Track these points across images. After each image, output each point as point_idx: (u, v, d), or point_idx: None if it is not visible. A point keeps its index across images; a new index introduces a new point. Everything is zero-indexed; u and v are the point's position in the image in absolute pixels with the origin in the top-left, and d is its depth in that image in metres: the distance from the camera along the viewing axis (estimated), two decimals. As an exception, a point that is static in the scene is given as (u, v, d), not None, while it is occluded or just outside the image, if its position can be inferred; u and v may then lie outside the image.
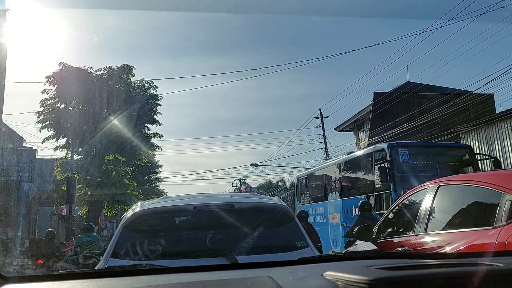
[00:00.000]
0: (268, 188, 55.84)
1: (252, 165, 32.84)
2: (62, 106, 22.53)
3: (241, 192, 52.33)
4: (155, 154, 31.25)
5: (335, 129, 32.53)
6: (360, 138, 30.75)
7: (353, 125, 31.44)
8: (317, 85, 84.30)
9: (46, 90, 22.19)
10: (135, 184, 26.40)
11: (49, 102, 22.32)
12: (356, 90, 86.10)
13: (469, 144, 16.46)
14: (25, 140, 24.01)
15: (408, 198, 4.72)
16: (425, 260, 1.73)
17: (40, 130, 22.30)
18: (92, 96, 21.87)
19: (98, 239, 10.88)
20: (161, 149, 25.58)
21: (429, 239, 3.80)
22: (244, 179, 56.53)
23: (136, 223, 3.25)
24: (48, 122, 22.21)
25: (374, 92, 26.49)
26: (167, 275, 1.67)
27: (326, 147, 28.78)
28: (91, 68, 22.87)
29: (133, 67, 23.78)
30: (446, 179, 4.15)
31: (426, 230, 3.92)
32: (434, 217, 3.95)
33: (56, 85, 22.07)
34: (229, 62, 77.54)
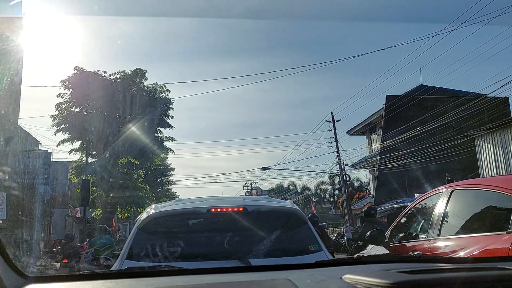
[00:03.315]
0: (279, 191, 55.72)
1: (263, 168, 32.80)
2: (77, 109, 22.83)
3: (252, 195, 52.31)
4: (167, 157, 31.50)
5: (347, 132, 32.42)
6: (373, 142, 30.56)
7: (365, 129, 31.27)
8: (329, 88, 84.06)
9: (61, 94, 22.52)
10: (148, 187, 26.57)
11: (64, 106, 22.63)
12: (368, 93, 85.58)
13: (484, 148, 16.27)
14: (41, 143, 24.35)
15: (421, 203, 4.68)
16: (444, 264, 1.73)
17: (55, 133, 22.65)
18: (106, 100, 22.11)
19: (113, 241, 11.06)
20: (174, 152, 25.74)
21: (442, 244, 3.76)
22: (255, 183, 56.54)
23: (150, 226, 3.27)
24: (63, 126, 22.52)
25: (387, 95, 26.33)
26: (186, 276, 1.69)
27: (338, 151, 28.63)
28: (105, 72, 23.18)
29: (146, 71, 24.01)
30: (459, 184, 4.09)
31: (439, 234, 3.87)
32: (447, 221, 3.91)
33: (71, 89, 22.38)
34: (241, 65, 77.82)
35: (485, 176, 15.92)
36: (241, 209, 3.36)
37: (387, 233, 4.92)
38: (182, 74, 79.42)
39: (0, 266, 1.44)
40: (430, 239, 3.97)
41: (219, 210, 3.37)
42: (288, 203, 3.78)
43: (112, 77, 23.25)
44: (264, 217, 3.41)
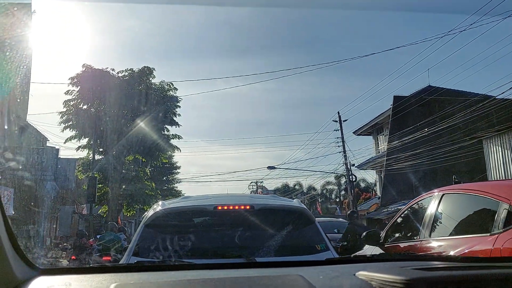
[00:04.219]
0: (285, 191, 55.64)
1: (269, 167, 32.76)
2: (85, 107, 22.96)
3: (257, 194, 52.24)
4: (173, 155, 31.58)
5: (353, 132, 32.29)
6: (380, 142, 30.42)
7: (372, 129, 31.13)
8: (336, 88, 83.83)
9: (70, 91, 22.65)
10: (153, 185, 26.66)
11: (72, 103, 22.75)
12: (375, 93, 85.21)
13: (492, 150, 16.14)
14: (49, 140, 24.52)
15: (414, 205, 4.90)
16: (456, 263, 1.72)
17: (63, 130, 22.78)
18: (113, 97, 22.20)
19: (120, 238, 11.28)
20: (180, 150, 25.80)
21: (433, 245, 3.98)
22: (261, 182, 56.52)
23: (157, 222, 3.28)
24: (70, 123, 22.65)
25: (394, 96, 26.20)
26: (195, 271, 1.69)
27: (344, 151, 28.54)
28: (113, 70, 23.28)
29: (154, 69, 24.08)
30: (450, 188, 4.35)
31: (430, 235, 4.09)
32: (438, 223, 4.15)
33: (79, 86, 22.50)
34: (248, 64, 77.85)
35: (493, 178, 15.81)
36: (248, 207, 3.34)
37: (382, 234, 5.11)
38: (189, 72, 79.66)
39: (12, 258, 1.45)
40: (421, 240, 4.19)
41: (226, 207, 3.36)
42: (296, 202, 3.77)
43: (120, 74, 23.35)
44: (271, 215, 3.40)
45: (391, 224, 5.19)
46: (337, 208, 48.98)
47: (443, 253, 3.68)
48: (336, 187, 53.29)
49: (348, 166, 28.11)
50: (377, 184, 32.53)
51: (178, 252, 2.95)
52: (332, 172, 33.89)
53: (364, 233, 5.34)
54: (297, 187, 56.18)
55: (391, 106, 26.10)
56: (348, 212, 10.60)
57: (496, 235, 3.25)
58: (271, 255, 2.97)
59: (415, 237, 4.44)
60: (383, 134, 29.61)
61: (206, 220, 3.45)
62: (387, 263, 1.64)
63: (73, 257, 11.81)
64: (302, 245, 3.26)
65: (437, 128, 21.32)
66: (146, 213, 4.09)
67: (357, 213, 10.72)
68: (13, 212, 14.90)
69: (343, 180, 39.90)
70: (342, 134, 28.99)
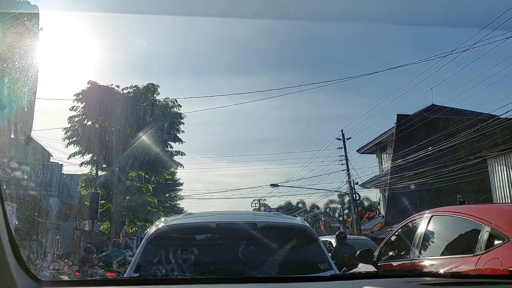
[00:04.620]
0: (288, 209, 55.31)
1: (272, 185, 32.60)
2: (89, 123, 23.07)
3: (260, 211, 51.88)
4: (176, 172, 31.55)
5: (357, 151, 32.24)
6: (383, 161, 30.34)
7: (375, 147, 31.09)
8: (339, 106, 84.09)
9: (74, 107, 22.80)
10: (156, 201, 26.58)
11: (76, 119, 22.88)
12: (379, 112, 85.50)
13: (496, 169, 16.05)
14: (52, 155, 24.59)
15: (406, 225, 5.12)
16: (460, 279, 1.70)
17: (67, 146, 22.84)
18: (118, 113, 22.32)
19: (124, 254, 11.37)
20: (183, 167, 25.79)
21: (422, 264, 4.17)
22: (264, 200, 56.26)
23: (159, 239, 3.26)
24: (74, 138, 22.74)
25: (398, 115, 26.24)
26: (197, 285, 1.67)
27: (348, 169, 28.45)
28: (118, 86, 23.46)
29: (158, 86, 24.26)
30: (438, 210, 4.56)
31: (420, 255, 4.31)
32: (427, 243, 4.38)
33: (84, 103, 22.65)
34: (252, 82, 78.34)
35: (498, 198, 15.69)
36: (250, 224, 3.32)
37: (376, 253, 5.32)
38: (194, 89, 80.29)
39: (14, 269, 1.44)
40: (412, 260, 4.40)
41: (228, 225, 3.36)
42: (299, 220, 3.74)
43: (124, 91, 23.53)
44: (274, 233, 3.37)
45: (384, 243, 5.42)
46: (341, 227, 48.49)
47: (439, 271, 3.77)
48: (340, 206, 52.92)
49: (352, 185, 27.99)
50: (381, 203, 32.31)
51: (180, 269, 2.92)
52: (335, 190, 33.73)
53: (358, 252, 5.52)
54: (300, 205, 55.85)
55: (395, 124, 26.13)
56: (337, 233, 11.27)
57: (479, 256, 3.46)
58: (274, 273, 2.93)
59: (406, 256, 4.61)
60: (386, 153, 29.55)
61: (208, 237, 3.42)
62: (391, 280, 1.62)
63: (76, 273, 11.89)
64: (304, 263, 3.22)
65: (441, 147, 21.27)
66: (148, 229, 4.05)
67: (345, 233, 11.53)
68: (15, 227, 14.87)
69: (346, 198, 39.66)
70: (345, 152, 28.95)
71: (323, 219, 51.87)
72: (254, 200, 56.67)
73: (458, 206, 4.62)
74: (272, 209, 53.47)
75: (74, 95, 22.65)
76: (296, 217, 4.14)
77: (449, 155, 21.51)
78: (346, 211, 48.68)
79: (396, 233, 5.27)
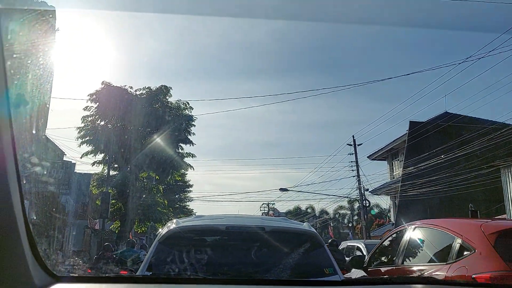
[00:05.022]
0: (297, 214, 55.14)
1: (281, 189, 32.53)
2: (102, 123, 23.30)
3: (269, 216, 51.86)
4: (186, 173, 31.69)
5: (368, 157, 32.07)
6: (394, 168, 30.12)
7: (387, 154, 30.89)
8: (351, 112, 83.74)
9: (88, 107, 23.05)
10: (166, 202, 26.72)
11: (89, 119, 23.13)
12: (391, 118, 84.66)
13: (510, 179, 15.86)
14: (66, 154, 24.85)
15: (394, 235, 5.63)
16: (464, 286, 1.70)
17: (80, 145, 23.08)
18: (130, 114, 22.53)
19: (138, 253, 11.58)
20: (193, 169, 25.92)
21: (403, 270, 4.65)
22: (273, 204, 56.17)
23: (170, 240, 3.37)
24: (87, 138, 22.97)
25: (410, 121, 26.07)
26: (207, 285, 1.70)
27: (358, 175, 28.30)
28: (131, 87, 23.68)
29: (171, 88, 24.43)
30: (421, 222, 5.06)
31: (403, 262, 4.79)
32: (410, 252, 4.87)
33: (97, 103, 22.90)
34: (264, 86, 78.45)
35: (511, 207, 15.49)
36: (258, 228, 3.42)
37: (366, 259, 5.82)
38: (205, 92, 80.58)
39: (32, 265, 1.49)
40: (395, 266, 4.87)
41: (237, 228, 3.46)
42: (306, 226, 3.84)
43: (137, 92, 23.74)
44: (281, 237, 3.44)
45: (374, 251, 5.91)
46: (350, 233, 48.23)
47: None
48: (349, 212, 52.63)
49: (362, 191, 27.82)
50: (391, 210, 32.05)
51: (189, 268, 3.00)
52: (345, 197, 33.58)
53: (350, 258, 6.18)
54: (309, 210, 55.66)
55: (407, 131, 25.94)
56: (329, 241, 11.65)
57: (450, 265, 3.88)
58: (280, 275, 2.99)
59: (393, 263, 5.05)
60: (398, 160, 29.33)
61: (217, 239, 3.52)
62: (403, 286, 1.63)
63: (88, 270, 12.11)
64: (310, 267, 3.29)
65: (454, 155, 21.06)
66: (160, 230, 4.18)
67: (337, 241, 12.18)
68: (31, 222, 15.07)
69: (356, 205, 39.42)
70: (356, 158, 28.82)
71: (332, 224, 51.59)
72: (263, 204, 56.64)
73: (437, 219, 4.95)
74: (281, 214, 53.37)
75: (88, 95, 22.93)
76: (303, 222, 4.25)
77: (461, 164, 21.28)
78: (356, 217, 48.38)
79: (385, 242, 5.83)
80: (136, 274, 3.20)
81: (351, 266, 5.94)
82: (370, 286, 1.64)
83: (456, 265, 3.81)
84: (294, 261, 3.16)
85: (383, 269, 5.18)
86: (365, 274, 5.34)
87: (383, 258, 5.61)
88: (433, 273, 3.94)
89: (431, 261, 4.38)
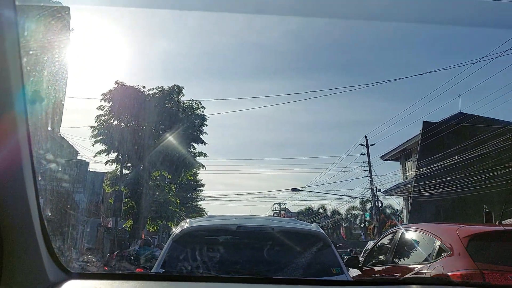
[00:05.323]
0: (308, 214, 54.98)
1: (293, 189, 32.47)
2: (115, 122, 23.52)
3: (280, 216, 51.88)
4: (198, 173, 31.82)
5: (381, 157, 31.84)
6: (407, 168, 29.86)
7: (400, 155, 30.63)
8: (363, 112, 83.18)
9: (102, 107, 23.29)
10: (178, 201, 26.86)
11: (103, 118, 23.36)
12: (404, 118, 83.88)
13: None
14: (79, 153, 25.15)
15: (386, 237, 6.22)
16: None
17: (94, 144, 23.33)
18: (143, 114, 22.71)
19: (154, 252, 11.81)
20: (205, 168, 26.01)
21: (393, 269, 5.19)
22: (284, 204, 56.09)
23: (184, 239, 3.51)
24: (101, 137, 23.21)
25: (424, 122, 25.81)
26: (219, 283, 1.71)
27: (370, 176, 28.13)
28: (144, 87, 23.86)
29: (183, 87, 24.55)
30: (408, 226, 5.86)
31: (392, 262, 5.35)
32: (398, 252, 5.43)
33: (111, 102, 23.12)
34: (276, 85, 78.41)
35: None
36: (268, 229, 3.57)
37: (362, 259, 6.41)
38: (217, 91, 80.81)
39: (46, 260, 1.50)
40: (386, 266, 5.44)
41: (247, 228, 3.60)
42: (314, 226, 3.97)
43: (150, 92, 23.91)
44: (289, 237, 3.57)
45: (369, 252, 6.58)
46: (362, 234, 47.97)
47: (390, 277, 4.95)
48: (361, 212, 52.27)
49: (374, 192, 27.63)
50: (404, 211, 31.78)
51: (202, 266, 3.10)
52: (357, 197, 33.39)
53: (346, 258, 6.52)
54: (321, 210, 55.45)
55: (420, 131, 25.70)
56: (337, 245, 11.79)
57: (429, 264, 4.40)
58: (287, 274, 3.11)
59: (384, 263, 5.59)
60: (411, 160, 29.07)
61: (228, 238, 3.65)
62: (404, 286, 1.61)
63: (105, 268, 12.58)
64: (317, 266, 3.39)
65: (468, 156, 20.79)
66: (173, 229, 4.36)
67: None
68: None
69: (368, 205, 39.16)
70: (368, 158, 28.65)
71: (344, 225, 51.33)
72: (275, 203, 56.59)
73: (423, 224, 5.49)
74: (292, 214, 53.26)
75: (102, 94, 23.16)
76: (312, 223, 4.39)
77: (475, 165, 21.00)
78: (368, 218, 48.07)
79: (378, 243, 6.45)
80: (151, 271, 3.28)
81: (348, 266, 6.49)
82: (376, 286, 1.63)
83: (435, 264, 4.32)
84: (302, 260, 3.27)
85: (376, 268, 5.71)
86: (360, 273, 5.79)
87: (376, 258, 6.16)
88: (416, 272, 4.47)
89: (416, 260, 4.94)
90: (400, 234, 5.50)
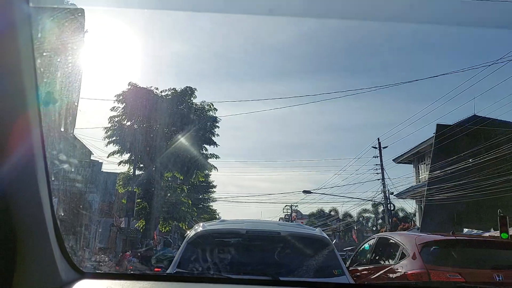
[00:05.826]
0: (320, 217, 54.74)
1: (304, 191, 32.37)
2: (128, 123, 23.75)
3: (292, 218, 51.75)
4: (210, 174, 31.94)
5: (393, 160, 31.56)
6: (420, 171, 29.56)
7: (413, 157, 30.34)
8: (376, 114, 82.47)
9: (115, 108, 23.55)
10: (190, 202, 26.97)
11: (116, 119, 23.62)
12: (417, 121, 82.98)
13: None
14: (93, 154, 25.40)
15: (366, 242, 7.53)
16: None
17: (107, 145, 23.59)
18: (156, 115, 22.90)
19: (173, 253, 12.04)
20: (217, 170, 26.08)
21: (369, 269, 6.25)
22: (296, 206, 55.93)
23: (197, 241, 3.78)
24: (114, 138, 23.45)
25: (437, 124, 25.52)
26: (230, 285, 1.71)
27: (383, 178, 27.91)
28: (156, 88, 24.07)
29: (196, 89, 24.68)
30: (383, 234, 7.44)
31: (370, 263, 6.46)
32: (374, 255, 6.60)
33: (124, 103, 23.36)
34: (288, 87, 78.21)
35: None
36: (274, 233, 3.89)
37: (349, 260, 7.47)
38: (229, 93, 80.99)
39: (59, 260, 1.52)
40: (365, 266, 6.54)
41: (256, 232, 3.91)
42: (317, 231, 4.31)
43: (163, 93, 24.10)
44: (294, 241, 3.83)
45: (354, 254, 7.82)
46: (374, 237, 47.49)
47: (368, 276, 6.02)
48: (373, 215, 51.87)
49: (387, 194, 27.40)
50: (417, 214, 31.46)
51: (214, 267, 3.31)
52: (369, 200, 33.11)
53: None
54: (332, 213, 55.14)
55: (434, 134, 25.42)
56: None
57: (392, 266, 5.50)
58: (292, 276, 3.39)
59: (365, 264, 6.67)
60: (424, 163, 28.77)
61: (238, 241, 3.92)
62: None
63: (117, 267, 12.86)
64: (320, 269, 3.62)
65: (482, 159, 20.50)
66: (188, 232, 4.77)
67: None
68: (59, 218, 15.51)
69: (380, 208, 38.85)
70: (381, 161, 28.45)
71: (355, 228, 50.97)
72: (286, 206, 56.47)
73: (393, 232, 6.69)
74: (304, 216, 53.11)
75: (115, 96, 23.43)
76: (316, 228, 4.88)
77: (490, 168, 20.69)
78: (380, 221, 47.66)
79: (361, 247, 7.63)
80: (168, 270, 3.53)
81: None
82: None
83: (397, 266, 5.43)
84: (306, 262, 3.56)
85: (359, 268, 6.71)
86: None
87: (359, 260, 7.18)
88: (386, 271, 5.57)
89: (387, 262, 6.06)
90: (376, 241, 6.77)
